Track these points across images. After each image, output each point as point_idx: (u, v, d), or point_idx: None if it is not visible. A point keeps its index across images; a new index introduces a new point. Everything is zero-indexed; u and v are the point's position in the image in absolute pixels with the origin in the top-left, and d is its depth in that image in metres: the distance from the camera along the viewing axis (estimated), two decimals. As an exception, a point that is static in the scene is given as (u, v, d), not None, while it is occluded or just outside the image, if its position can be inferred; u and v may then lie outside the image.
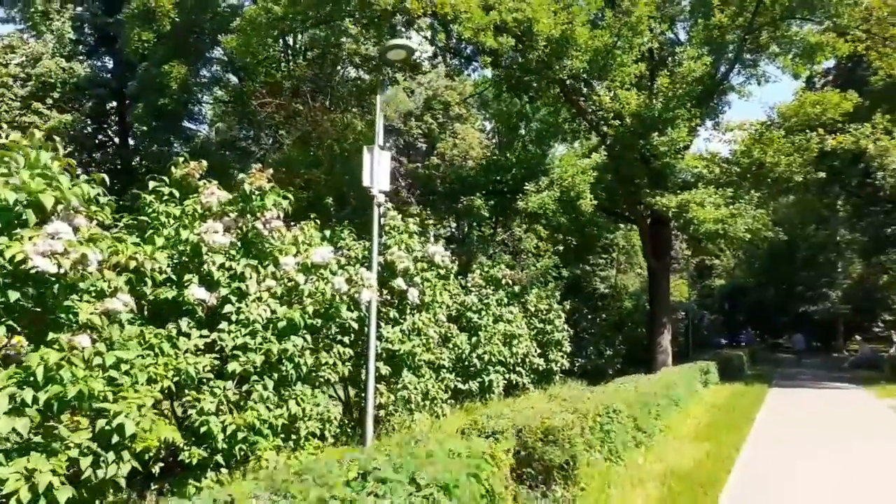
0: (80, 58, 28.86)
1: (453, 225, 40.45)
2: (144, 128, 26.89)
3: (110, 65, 32.44)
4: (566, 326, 20.36)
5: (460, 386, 15.38)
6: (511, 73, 19.01)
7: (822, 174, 22.35)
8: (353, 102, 26.98)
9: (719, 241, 20.69)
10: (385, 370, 11.39)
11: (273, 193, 8.56)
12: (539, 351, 19.26)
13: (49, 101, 25.23)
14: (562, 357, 19.97)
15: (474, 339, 15.52)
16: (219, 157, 25.53)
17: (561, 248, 32.78)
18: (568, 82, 20.11)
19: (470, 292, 16.20)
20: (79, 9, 29.89)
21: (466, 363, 15.51)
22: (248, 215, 8.50)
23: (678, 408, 15.65)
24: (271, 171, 8.73)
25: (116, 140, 32.29)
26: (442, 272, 15.49)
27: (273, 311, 8.44)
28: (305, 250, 9.20)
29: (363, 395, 11.44)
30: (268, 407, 8.46)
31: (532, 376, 18.93)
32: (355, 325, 11.06)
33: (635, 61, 19.20)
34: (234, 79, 31.40)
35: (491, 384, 15.60)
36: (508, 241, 39.23)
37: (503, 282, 16.57)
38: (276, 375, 8.53)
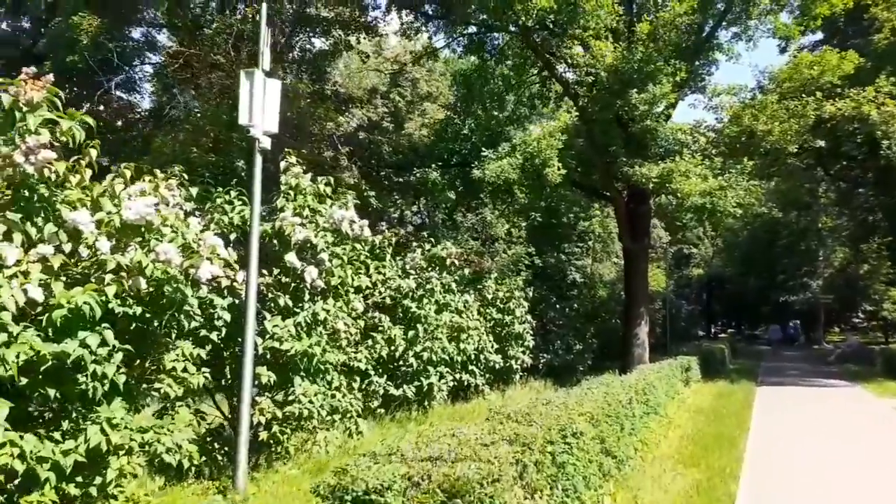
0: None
1: (413, 208, 37.63)
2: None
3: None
4: (529, 318, 17.57)
5: (393, 391, 12.51)
6: (468, 16, 16.02)
7: (820, 143, 19.71)
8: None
9: (705, 218, 17.95)
10: (267, 377, 8.43)
11: (43, 108, 5.53)
12: (496, 346, 16.46)
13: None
14: (523, 353, 17.21)
15: (411, 332, 12.63)
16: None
17: (523, 227, 30.11)
18: (535, 35, 17.25)
19: (408, 276, 13.30)
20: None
21: (402, 363, 12.64)
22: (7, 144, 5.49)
23: (657, 416, 12.94)
24: (51, 76, 5.71)
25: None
26: (366, 249, 12.65)
27: (48, 293, 5.48)
28: (116, 204, 6.20)
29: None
30: (49, 436, 5.61)
31: (487, 376, 16.13)
32: (226, 316, 8.18)
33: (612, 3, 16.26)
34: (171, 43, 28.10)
35: (431, 388, 12.74)
36: (478, 226, 36.51)
37: (448, 263, 13.65)
38: (58, 391, 5.61)
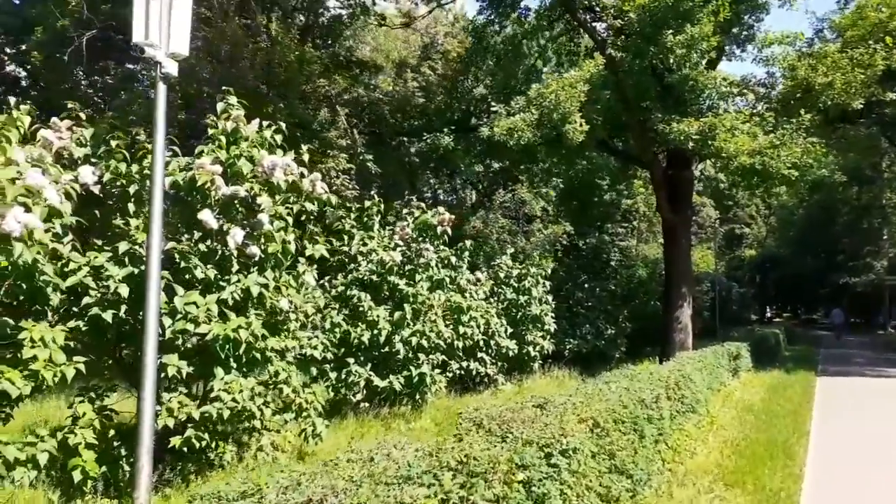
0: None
1: (446, 186, 35.69)
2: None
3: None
4: (549, 298, 15.42)
5: (378, 383, 10.58)
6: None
7: (892, 95, 16.87)
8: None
9: (755, 182, 15.41)
10: (175, 368, 6.54)
11: None
12: (511, 330, 14.39)
13: None
14: (543, 338, 15.06)
15: (397, 314, 10.65)
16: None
17: (555, 202, 27.86)
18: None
19: (396, 248, 11.31)
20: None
21: (389, 349, 10.69)
22: None
23: (696, 414, 10.74)
24: None
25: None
26: (352, 217, 10.80)
27: None
28: None
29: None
30: None
31: (500, 364, 14.10)
32: (123, 290, 6.38)
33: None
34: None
35: (423, 380, 10.75)
36: (510, 203, 34.34)
37: (440, 231, 11.57)
38: None
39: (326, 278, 11.33)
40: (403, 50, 31.18)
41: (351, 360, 10.46)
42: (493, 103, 15.89)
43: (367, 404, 10.67)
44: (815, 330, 52.57)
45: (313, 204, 7.99)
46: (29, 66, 25.82)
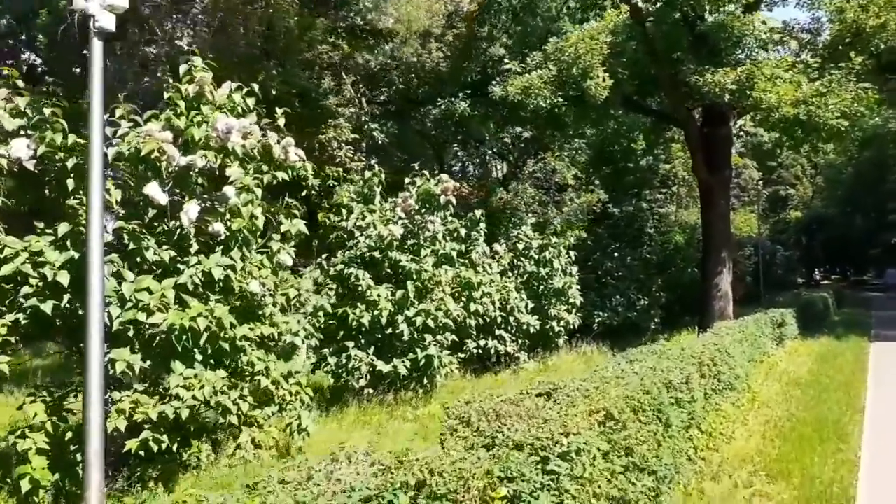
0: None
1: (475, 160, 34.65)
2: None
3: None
4: (574, 269, 14.35)
5: (382, 368, 9.74)
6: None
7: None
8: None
9: (800, 135, 13.98)
10: (124, 363, 5.75)
11: None
12: (532, 305, 13.42)
13: None
14: (567, 312, 14.04)
15: (400, 292, 9.76)
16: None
17: (588, 170, 26.60)
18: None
19: (397, 221, 10.39)
20: None
21: (392, 331, 9.83)
22: None
23: (735, 391, 9.66)
24: None
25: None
26: (352, 190, 9.98)
27: None
28: None
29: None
30: None
31: (522, 341, 13.16)
32: (64, 279, 5.64)
33: None
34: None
35: (430, 362, 9.87)
36: (540, 172, 33.13)
37: (444, 201, 10.56)
38: None
39: (324, 256, 10.51)
40: (426, 19, 29.87)
41: (351, 344, 9.64)
42: (506, 61, 14.68)
43: (371, 390, 9.85)
44: (866, 292, 50.23)
45: (287, 173, 7.08)
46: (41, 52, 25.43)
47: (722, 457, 7.08)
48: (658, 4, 14.09)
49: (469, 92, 17.63)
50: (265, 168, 7.04)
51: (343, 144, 15.59)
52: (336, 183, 12.10)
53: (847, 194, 55.86)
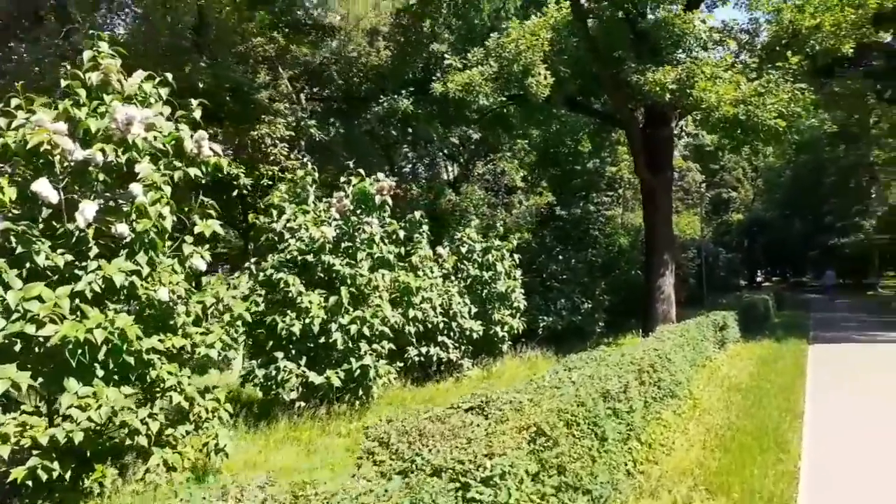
0: None
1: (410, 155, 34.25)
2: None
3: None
4: (517, 273, 14.08)
5: (314, 379, 9.23)
6: None
7: (885, 35, 15.51)
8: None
9: (739, 135, 14.01)
10: (7, 381, 5.15)
11: None
12: (475, 309, 13.09)
13: None
14: (511, 317, 13.76)
15: (333, 298, 9.29)
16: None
17: (533, 171, 26.51)
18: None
19: (329, 223, 9.90)
20: None
21: (325, 340, 9.33)
22: None
23: (676, 398, 9.48)
24: None
25: None
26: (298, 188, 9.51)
27: None
28: None
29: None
30: None
31: (465, 347, 12.80)
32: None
33: None
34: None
35: (366, 373, 9.41)
36: (490, 175, 32.98)
37: (378, 202, 10.13)
38: None
39: (253, 260, 9.96)
40: (374, 16, 29.31)
41: (280, 355, 9.11)
42: (447, 57, 14.33)
43: (303, 404, 9.34)
44: (806, 293, 51.64)
45: (200, 170, 6.54)
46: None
47: (661, 470, 6.82)
48: (601, 2, 13.89)
49: (413, 89, 17.23)
50: (177, 164, 6.49)
51: (277, 141, 14.96)
52: (272, 182, 11.55)
53: (785, 197, 57.42)
